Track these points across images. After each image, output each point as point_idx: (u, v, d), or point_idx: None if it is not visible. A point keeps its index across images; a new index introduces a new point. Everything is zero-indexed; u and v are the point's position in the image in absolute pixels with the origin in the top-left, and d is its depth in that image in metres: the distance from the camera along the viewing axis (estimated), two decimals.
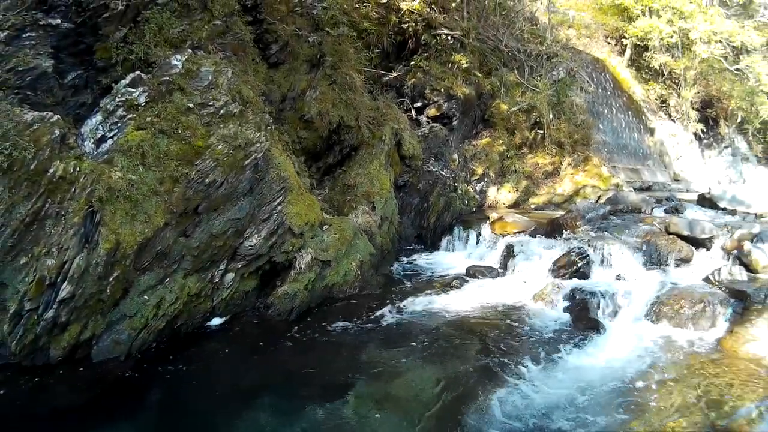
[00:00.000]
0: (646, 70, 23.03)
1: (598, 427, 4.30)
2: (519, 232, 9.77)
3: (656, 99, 22.94)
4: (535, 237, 9.37)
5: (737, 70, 22.84)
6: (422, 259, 10.00)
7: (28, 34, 5.35)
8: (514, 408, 4.57)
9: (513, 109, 13.95)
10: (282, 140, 7.85)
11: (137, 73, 5.85)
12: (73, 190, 4.96)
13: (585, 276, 7.66)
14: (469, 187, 12.62)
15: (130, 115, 5.67)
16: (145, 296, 5.49)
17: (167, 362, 5.26)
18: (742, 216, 10.76)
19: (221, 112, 6.20)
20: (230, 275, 6.45)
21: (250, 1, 7.83)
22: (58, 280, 4.80)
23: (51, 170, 4.83)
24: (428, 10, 13.57)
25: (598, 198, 11.97)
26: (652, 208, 10.87)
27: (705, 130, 23.73)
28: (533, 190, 13.55)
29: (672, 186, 18.61)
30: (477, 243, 10.15)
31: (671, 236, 8.23)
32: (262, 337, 6.03)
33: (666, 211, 10.89)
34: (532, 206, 13.04)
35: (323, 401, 4.60)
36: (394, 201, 10.31)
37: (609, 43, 22.94)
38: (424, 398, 4.74)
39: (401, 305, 7.15)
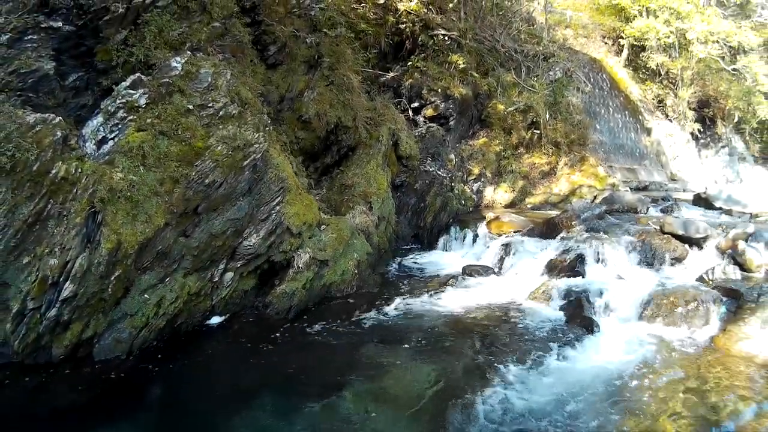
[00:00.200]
0: (643, 70, 23.10)
1: (591, 427, 4.35)
2: (515, 232, 9.86)
3: (653, 99, 23.01)
4: (531, 237, 9.44)
5: (734, 70, 22.92)
6: (419, 259, 10.05)
7: (30, 37, 5.41)
8: (506, 407, 4.62)
9: (510, 109, 14.00)
10: (280, 141, 7.92)
11: (137, 75, 5.90)
12: (75, 190, 5.01)
13: (580, 275, 7.73)
14: (465, 186, 12.66)
15: (131, 117, 5.73)
16: (146, 295, 5.57)
17: (167, 360, 5.34)
18: (737, 216, 10.87)
19: (220, 113, 6.26)
20: (229, 274, 6.53)
21: (248, 3, 7.89)
22: (61, 279, 4.87)
23: (53, 171, 4.88)
24: (425, 10, 13.62)
25: (594, 198, 12.04)
26: (648, 208, 10.95)
27: (702, 130, 23.82)
28: (530, 190, 13.61)
29: (669, 186, 18.68)
30: (473, 242, 10.19)
31: (666, 236, 8.31)
32: (261, 336, 6.10)
33: (662, 211, 10.97)
34: (529, 206, 13.08)
35: (320, 399, 4.68)
36: (391, 201, 10.39)
37: (606, 43, 22.98)
38: (418, 396, 4.80)
39: (398, 304, 7.22)
